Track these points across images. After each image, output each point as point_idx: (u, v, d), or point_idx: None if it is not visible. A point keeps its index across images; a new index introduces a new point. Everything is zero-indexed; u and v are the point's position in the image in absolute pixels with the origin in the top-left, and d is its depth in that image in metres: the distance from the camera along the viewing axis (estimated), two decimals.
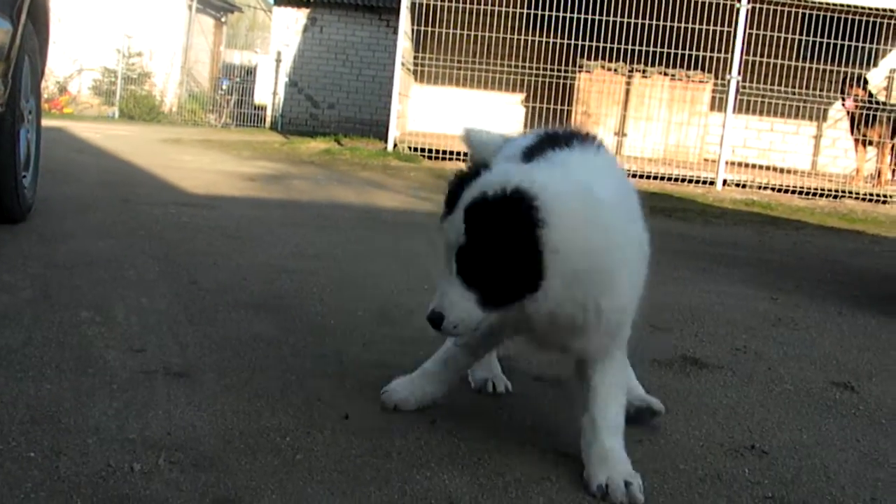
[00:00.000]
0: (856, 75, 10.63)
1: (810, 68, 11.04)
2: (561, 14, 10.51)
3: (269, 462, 1.74)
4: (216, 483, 1.63)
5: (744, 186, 10.28)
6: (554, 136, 1.92)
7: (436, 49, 11.38)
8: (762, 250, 6.11)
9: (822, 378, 2.77)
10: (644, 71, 11.32)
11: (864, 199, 10.17)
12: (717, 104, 11.04)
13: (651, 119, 11.59)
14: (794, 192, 10.18)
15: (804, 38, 11.11)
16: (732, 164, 11.29)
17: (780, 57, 11.07)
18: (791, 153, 13.09)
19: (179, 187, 6.36)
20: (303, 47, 17.74)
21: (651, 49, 10.64)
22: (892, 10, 10.88)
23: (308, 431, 1.91)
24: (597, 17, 10.43)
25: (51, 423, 1.82)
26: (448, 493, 1.68)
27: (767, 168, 12.16)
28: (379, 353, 2.57)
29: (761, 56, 10.86)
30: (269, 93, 18.35)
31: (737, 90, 10.36)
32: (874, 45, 11.48)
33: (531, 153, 1.89)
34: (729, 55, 10.30)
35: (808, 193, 10.20)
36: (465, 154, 9.96)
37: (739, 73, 10.33)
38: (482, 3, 11.31)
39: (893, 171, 11.10)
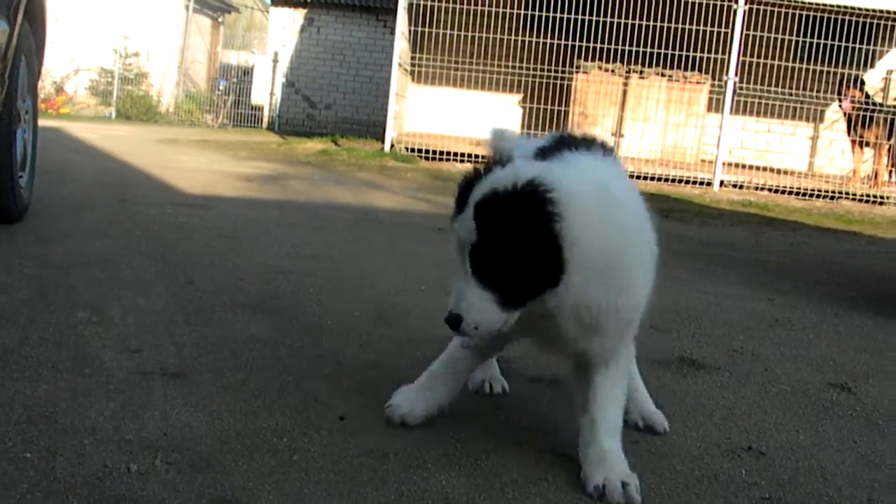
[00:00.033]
0: (852, 76, 10.65)
1: (807, 69, 11.07)
2: (558, 15, 10.53)
3: (265, 463, 1.74)
4: (213, 484, 1.63)
5: (741, 187, 10.29)
6: (568, 139, 1.92)
7: (433, 50, 11.39)
8: (759, 251, 6.11)
9: (818, 379, 2.77)
10: (641, 72, 11.34)
11: (860, 201, 10.18)
12: (714, 105, 11.06)
13: (648, 120, 11.60)
14: (790, 193, 10.19)
15: (801, 39, 11.12)
16: (729, 165, 11.30)
17: (776, 58, 11.09)
18: (788, 154, 13.12)
19: (176, 187, 6.35)
20: (300, 48, 17.73)
21: (648, 50, 10.66)
22: (888, 12, 10.91)
23: (305, 432, 1.91)
24: (594, 18, 10.45)
25: (47, 424, 1.82)
26: (445, 494, 1.68)
27: (764, 169, 12.17)
28: (376, 354, 2.56)
29: (758, 57, 10.88)
30: (266, 93, 18.33)
31: (734, 91, 10.37)
32: (871, 47, 11.51)
33: (545, 154, 1.90)
34: (726, 56, 10.31)
35: (804, 194, 10.21)
36: (464, 154, 10.02)
37: (736, 75, 10.34)
38: (479, 3, 11.33)
39: (890, 172, 11.11)
